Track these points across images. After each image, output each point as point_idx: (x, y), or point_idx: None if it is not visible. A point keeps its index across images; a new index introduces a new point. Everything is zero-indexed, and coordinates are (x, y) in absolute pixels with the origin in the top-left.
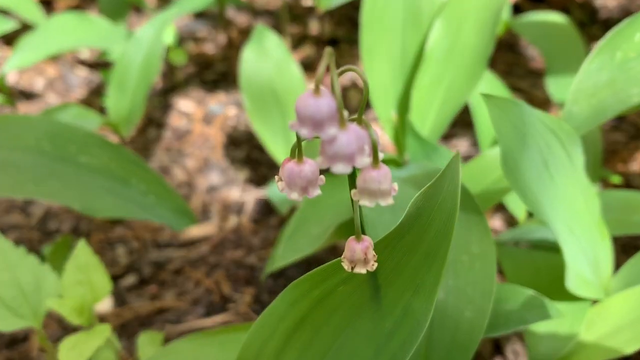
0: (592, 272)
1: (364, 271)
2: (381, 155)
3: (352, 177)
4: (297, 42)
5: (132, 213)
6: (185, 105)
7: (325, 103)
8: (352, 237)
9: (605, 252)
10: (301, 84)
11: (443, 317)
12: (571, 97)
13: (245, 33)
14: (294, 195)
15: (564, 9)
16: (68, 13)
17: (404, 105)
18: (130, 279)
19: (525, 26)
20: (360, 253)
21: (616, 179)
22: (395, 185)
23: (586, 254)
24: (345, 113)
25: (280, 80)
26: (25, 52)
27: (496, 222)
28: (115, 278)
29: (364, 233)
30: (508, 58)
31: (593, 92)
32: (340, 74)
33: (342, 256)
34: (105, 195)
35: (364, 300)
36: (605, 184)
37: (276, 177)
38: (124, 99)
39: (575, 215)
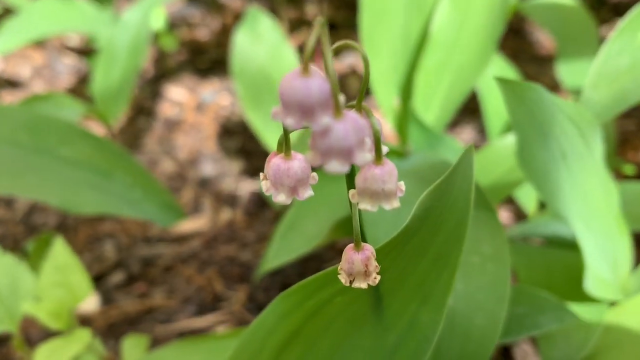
0: (611, 272)
1: (364, 285)
2: (385, 149)
3: (351, 175)
4: (293, 27)
5: (116, 209)
6: (177, 93)
7: (317, 85)
8: (350, 246)
9: (624, 250)
10: (296, 67)
11: (452, 325)
12: (590, 82)
13: (240, 18)
14: (281, 197)
15: None
16: None
17: (406, 91)
18: (118, 276)
19: (534, 8)
20: (360, 265)
21: (629, 169)
22: (402, 185)
23: (604, 252)
24: (342, 98)
25: (275, 65)
26: (8, 37)
27: (504, 215)
28: (103, 275)
29: (364, 240)
30: (514, 43)
31: (614, 77)
32: (336, 51)
33: (339, 267)
34: (88, 190)
35: (364, 311)
36: (618, 174)
37: (261, 174)
38: (111, 86)
39: (593, 210)
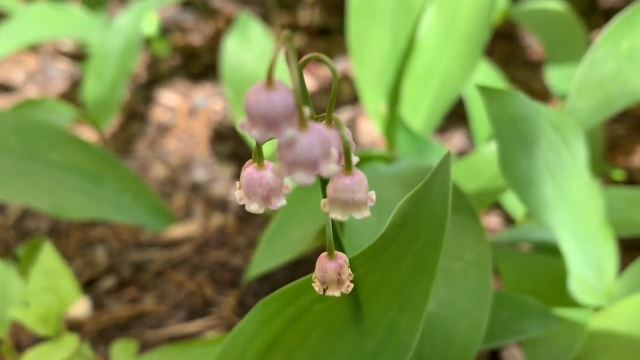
0: (596, 277)
1: (337, 294)
2: (355, 160)
3: (325, 183)
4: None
5: (106, 213)
6: (170, 98)
7: (280, 98)
8: (323, 254)
9: (609, 255)
10: (285, 74)
11: (434, 331)
12: (575, 89)
13: (233, 23)
14: (254, 207)
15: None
16: (44, 3)
17: (394, 96)
18: (109, 281)
19: (524, 14)
20: (332, 273)
21: (618, 174)
22: (373, 195)
23: (589, 258)
24: (307, 111)
25: (265, 71)
26: (0, 42)
27: (492, 221)
28: (94, 280)
29: (341, 249)
30: (505, 48)
31: (599, 84)
32: (303, 64)
33: (313, 275)
34: (77, 194)
35: (344, 319)
36: (607, 179)
37: (237, 183)
38: (102, 90)
39: (577, 216)
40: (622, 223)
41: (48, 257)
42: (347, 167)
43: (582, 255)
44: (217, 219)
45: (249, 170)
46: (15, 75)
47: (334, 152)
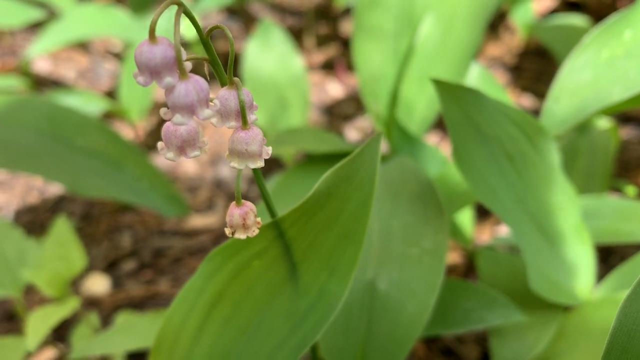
0: (567, 277)
1: (244, 237)
2: (253, 118)
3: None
4: (323, 42)
5: (122, 196)
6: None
7: (160, 50)
8: (233, 203)
9: (584, 257)
10: (304, 78)
11: (384, 309)
12: (553, 94)
13: None
14: (170, 155)
15: (602, 16)
16: (91, 5)
17: (393, 99)
18: (130, 264)
19: (547, 30)
20: (238, 218)
21: (631, 190)
22: (269, 149)
23: (560, 257)
24: (188, 64)
25: (283, 74)
26: (49, 39)
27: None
28: (117, 262)
29: (269, 210)
30: (536, 65)
31: (575, 91)
32: (209, 31)
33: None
34: (97, 176)
35: (281, 278)
36: (621, 196)
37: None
38: (137, 88)
39: (548, 214)
40: (611, 231)
41: (61, 228)
42: (243, 122)
43: (551, 252)
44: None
45: (166, 124)
46: (68, 72)
47: (217, 103)
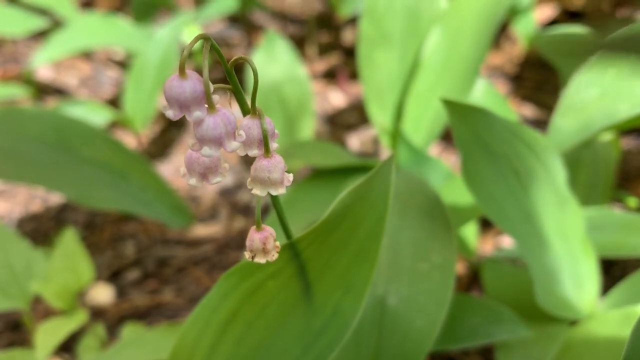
0: (574, 292)
1: (263, 261)
2: (275, 146)
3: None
4: (324, 51)
5: (127, 206)
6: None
7: (190, 85)
8: (253, 227)
9: (590, 271)
10: (308, 89)
11: (393, 325)
12: (560, 111)
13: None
14: (192, 181)
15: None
16: (94, 14)
17: (399, 111)
18: (134, 274)
19: (548, 40)
20: (258, 243)
21: (632, 202)
22: (290, 177)
23: (567, 272)
24: (216, 97)
25: (287, 85)
26: (53, 48)
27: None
28: (121, 271)
29: (284, 230)
30: (537, 74)
31: (581, 107)
32: (232, 64)
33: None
34: (103, 187)
35: (295, 297)
36: (623, 207)
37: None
38: (140, 98)
39: (554, 230)
40: (615, 245)
41: (69, 240)
42: (266, 150)
43: (558, 267)
44: (239, 222)
45: (190, 151)
46: (70, 80)
47: (243, 134)
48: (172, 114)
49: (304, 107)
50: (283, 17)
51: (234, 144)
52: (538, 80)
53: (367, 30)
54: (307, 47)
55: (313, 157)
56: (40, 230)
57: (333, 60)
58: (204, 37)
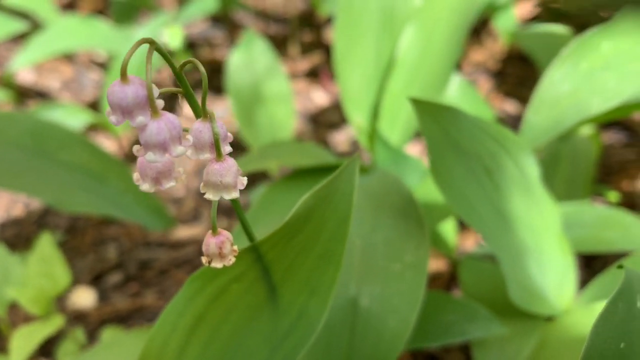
0: (548, 287)
1: (220, 266)
2: (227, 149)
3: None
4: (307, 49)
5: (106, 210)
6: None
7: (132, 90)
8: (209, 232)
9: (565, 267)
10: (287, 89)
11: (366, 325)
12: (533, 107)
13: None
14: (145, 187)
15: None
16: (74, 17)
17: (375, 111)
18: (116, 277)
19: (529, 37)
20: (214, 247)
21: (613, 196)
22: (244, 180)
23: (541, 268)
24: (160, 102)
25: (266, 84)
26: (32, 51)
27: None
28: (103, 274)
29: (247, 234)
30: (519, 70)
31: (554, 103)
32: (182, 66)
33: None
34: (81, 191)
35: (261, 300)
36: (604, 201)
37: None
38: None
39: (528, 226)
40: (592, 240)
41: (45, 245)
42: (218, 154)
43: (530, 265)
44: (222, 224)
45: (141, 157)
46: (52, 82)
47: (190, 138)
48: (114, 119)
49: (283, 107)
50: (265, 17)
51: (179, 149)
52: (520, 75)
53: (342, 30)
54: (289, 46)
55: (289, 158)
56: (22, 234)
57: (315, 59)
58: (149, 42)
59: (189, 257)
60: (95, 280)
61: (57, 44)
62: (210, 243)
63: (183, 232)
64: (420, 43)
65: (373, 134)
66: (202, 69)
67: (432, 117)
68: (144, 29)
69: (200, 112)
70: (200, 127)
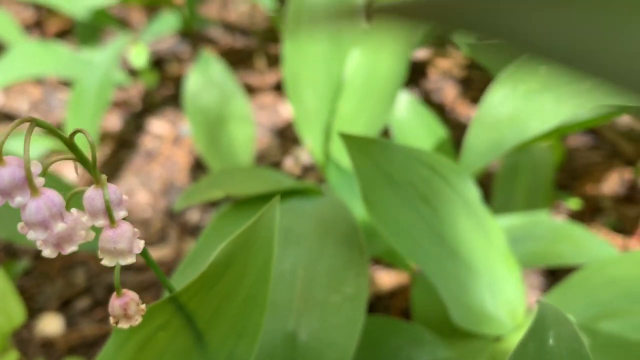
0: (494, 306)
1: (127, 326)
2: (122, 214)
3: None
4: (274, 62)
5: None
6: (159, 126)
7: (8, 173)
8: (114, 294)
9: (513, 285)
10: (247, 110)
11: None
12: (472, 130)
13: (228, 54)
14: (46, 252)
15: None
16: (33, 42)
17: (327, 134)
18: (84, 302)
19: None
20: (119, 309)
21: (574, 203)
22: (141, 243)
23: (485, 287)
24: (39, 180)
25: (226, 107)
26: None
27: None
28: (71, 300)
29: (169, 287)
30: (485, 76)
31: (494, 125)
32: (73, 134)
33: None
34: None
35: (188, 346)
36: (563, 209)
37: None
38: (82, 123)
39: (474, 248)
40: (543, 254)
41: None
42: (110, 221)
43: (473, 286)
44: (189, 244)
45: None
46: (21, 104)
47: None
48: None
49: (244, 128)
50: (232, 30)
51: (60, 225)
52: (485, 81)
53: (291, 50)
54: (256, 59)
55: (239, 186)
56: None
57: (282, 72)
58: (28, 120)
59: (156, 280)
60: (64, 306)
61: (18, 71)
62: (115, 305)
63: (151, 254)
64: (367, 64)
65: (326, 157)
66: (90, 138)
67: (362, 151)
68: (102, 52)
69: (97, 178)
70: (92, 195)
